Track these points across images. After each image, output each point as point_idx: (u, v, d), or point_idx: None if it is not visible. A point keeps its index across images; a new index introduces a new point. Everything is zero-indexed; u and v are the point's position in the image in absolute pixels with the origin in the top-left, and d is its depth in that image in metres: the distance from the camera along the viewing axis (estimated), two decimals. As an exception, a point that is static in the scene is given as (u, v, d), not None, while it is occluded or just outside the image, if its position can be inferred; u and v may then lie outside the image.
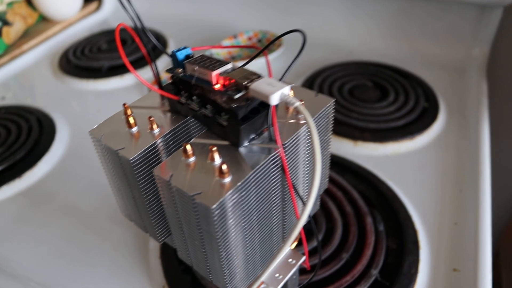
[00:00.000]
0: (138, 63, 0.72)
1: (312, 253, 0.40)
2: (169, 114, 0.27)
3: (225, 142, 0.24)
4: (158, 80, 0.27)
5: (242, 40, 0.78)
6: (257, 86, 0.21)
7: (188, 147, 0.22)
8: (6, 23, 0.75)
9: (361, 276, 0.38)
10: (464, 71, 0.68)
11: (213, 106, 0.24)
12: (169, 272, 0.39)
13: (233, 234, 0.22)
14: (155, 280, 0.40)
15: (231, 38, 0.77)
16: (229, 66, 0.24)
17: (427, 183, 0.49)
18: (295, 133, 0.24)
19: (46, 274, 0.41)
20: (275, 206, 0.26)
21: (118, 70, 0.70)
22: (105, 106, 0.64)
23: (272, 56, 0.70)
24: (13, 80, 0.73)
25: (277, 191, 0.25)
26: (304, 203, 0.26)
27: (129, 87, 0.68)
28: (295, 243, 0.35)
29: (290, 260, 0.33)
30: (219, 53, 0.75)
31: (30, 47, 0.78)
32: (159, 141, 0.25)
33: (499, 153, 0.68)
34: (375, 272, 0.39)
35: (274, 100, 0.21)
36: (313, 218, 0.44)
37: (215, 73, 0.23)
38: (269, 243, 0.27)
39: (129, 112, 0.26)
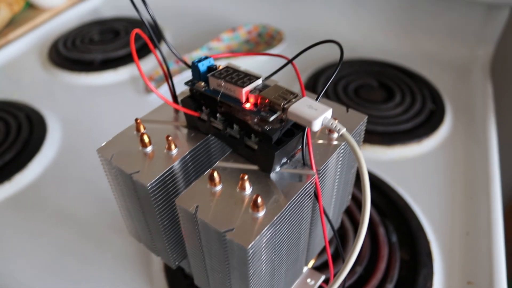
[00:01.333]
0: (122, 61, 0.68)
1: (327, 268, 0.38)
2: (185, 131, 0.24)
3: (254, 167, 0.21)
4: (174, 94, 0.25)
5: (241, 33, 0.75)
6: (297, 108, 0.19)
7: (215, 174, 0.20)
8: (-10, 10, 0.70)
9: (377, 291, 0.37)
10: (469, 71, 0.67)
11: (242, 126, 0.21)
12: (174, 287, 0.37)
13: (264, 269, 0.20)
14: (159, 295, 0.37)
15: (230, 31, 0.74)
16: (259, 82, 0.21)
17: (437, 189, 0.48)
18: (329, 158, 0.22)
19: (41, 287, 0.38)
20: (303, 233, 0.23)
21: (112, 63, 0.66)
22: (99, 101, 0.61)
23: (272, 52, 0.68)
24: (-2, 72, 0.69)
25: (307, 218, 0.23)
26: (333, 228, 0.24)
27: (124, 81, 0.65)
28: (313, 261, 0.33)
29: (309, 280, 0.31)
30: (217, 47, 0.72)
31: (16, 36, 0.74)
32: (178, 163, 0.22)
33: (504, 157, 0.67)
34: (390, 286, 0.37)
35: (317, 126, 0.19)
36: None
37: (245, 90, 0.20)
38: (293, 269, 0.25)
39: (142, 128, 0.23)
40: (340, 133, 0.19)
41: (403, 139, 0.53)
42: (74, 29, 0.76)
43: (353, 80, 0.63)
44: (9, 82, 0.66)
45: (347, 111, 0.25)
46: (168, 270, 0.38)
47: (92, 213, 0.45)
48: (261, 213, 0.19)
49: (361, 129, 0.25)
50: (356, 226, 0.42)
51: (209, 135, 0.24)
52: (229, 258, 0.20)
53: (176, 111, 0.26)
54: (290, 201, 0.20)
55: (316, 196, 0.22)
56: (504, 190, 0.78)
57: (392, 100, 0.59)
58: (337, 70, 0.21)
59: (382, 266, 0.39)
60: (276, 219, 0.19)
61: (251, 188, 0.20)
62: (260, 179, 0.21)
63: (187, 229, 0.21)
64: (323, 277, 0.31)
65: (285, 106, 0.19)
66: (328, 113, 0.19)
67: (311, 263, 0.32)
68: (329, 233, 0.29)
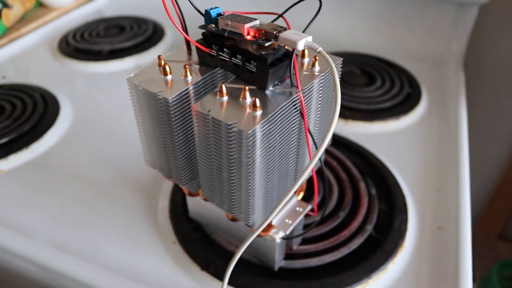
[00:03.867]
0: (138, 48, 0.74)
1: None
2: (197, 66, 0.30)
3: (253, 87, 0.27)
4: (187, 41, 0.31)
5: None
6: (286, 35, 0.25)
7: (224, 87, 0.26)
8: (5, 5, 0.76)
9: (357, 231, 0.42)
10: (443, 62, 0.74)
11: (243, 55, 0.27)
12: (179, 230, 0.42)
13: (259, 162, 0.26)
14: (166, 237, 0.42)
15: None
16: (257, 22, 0.27)
17: (412, 157, 0.54)
18: (312, 81, 0.28)
19: (60, 233, 0.43)
20: (292, 147, 0.29)
21: (119, 53, 0.72)
22: (107, 85, 0.67)
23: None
24: (12, 61, 0.74)
25: (294, 132, 0.29)
26: (317, 147, 0.30)
27: (130, 69, 0.71)
28: (302, 194, 0.38)
29: (298, 208, 0.36)
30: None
31: (28, 30, 0.80)
32: (192, 86, 0.28)
33: (472, 132, 0.74)
34: (369, 227, 0.43)
35: (300, 45, 0.25)
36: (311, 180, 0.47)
37: (247, 26, 0.26)
38: (284, 183, 0.31)
39: (162, 63, 0.29)
40: (318, 50, 0.25)
41: (383, 116, 0.59)
42: (81, 26, 0.82)
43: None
44: (23, 69, 0.72)
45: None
46: (173, 216, 0.44)
47: (104, 175, 0.50)
48: (258, 113, 0.25)
49: (337, 69, 0.31)
50: (340, 183, 0.48)
51: (217, 68, 0.29)
52: (234, 149, 0.25)
53: (189, 54, 0.31)
54: (281, 106, 0.25)
55: (301, 113, 0.28)
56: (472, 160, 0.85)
57: (374, 84, 0.65)
58: (317, 15, 0.27)
59: (363, 211, 0.44)
60: (270, 116, 0.25)
61: (251, 98, 0.26)
62: (257, 93, 0.27)
63: (200, 132, 0.27)
64: (310, 206, 0.37)
65: (277, 34, 0.25)
66: (309, 38, 0.25)
67: (300, 196, 0.38)
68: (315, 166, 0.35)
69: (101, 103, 0.63)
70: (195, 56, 0.31)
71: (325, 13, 0.84)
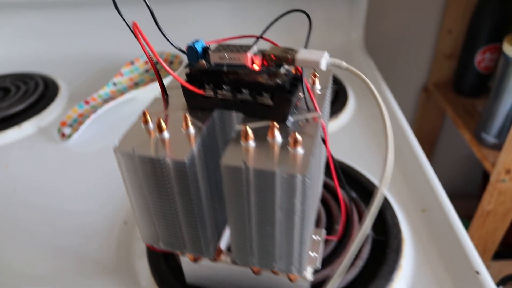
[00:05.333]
0: (34, 109, 0.63)
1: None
2: (189, 112, 0.25)
3: (269, 123, 0.24)
4: (162, 86, 0.26)
5: (139, 64, 0.76)
6: (303, 56, 0.22)
7: (249, 129, 0.22)
8: None
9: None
10: (350, 53, 0.79)
11: (253, 88, 0.23)
12: None
13: (309, 204, 0.23)
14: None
15: (129, 64, 0.74)
16: (255, 48, 0.24)
17: (365, 149, 0.55)
18: (324, 101, 0.26)
19: None
20: (320, 176, 0.26)
21: (13, 120, 0.61)
22: (13, 159, 0.55)
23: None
24: None
25: (321, 162, 0.26)
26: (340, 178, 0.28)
27: (33, 135, 0.60)
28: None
29: (313, 236, 0.33)
30: (121, 81, 0.71)
31: None
32: (200, 138, 0.23)
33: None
34: (372, 233, 0.42)
35: (323, 64, 0.22)
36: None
37: (250, 54, 0.23)
38: (313, 208, 0.28)
39: (149, 119, 0.24)
40: (345, 67, 0.22)
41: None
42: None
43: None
44: None
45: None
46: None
47: (52, 268, 0.41)
48: (300, 149, 0.21)
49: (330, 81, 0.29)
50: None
51: (215, 110, 0.25)
52: (282, 197, 0.21)
53: (167, 101, 0.27)
54: (317, 137, 0.22)
55: (323, 140, 0.25)
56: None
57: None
58: (309, 35, 0.25)
59: (355, 217, 0.43)
60: (314, 150, 0.22)
61: (279, 135, 0.22)
62: (280, 128, 0.23)
63: (234, 189, 0.22)
64: (324, 231, 0.34)
65: (293, 57, 0.22)
66: (326, 54, 0.23)
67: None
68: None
69: (12, 181, 0.51)
70: (175, 101, 0.27)
71: (224, 24, 0.83)
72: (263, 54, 0.23)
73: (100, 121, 0.61)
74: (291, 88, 0.23)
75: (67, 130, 0.59)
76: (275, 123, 0.22)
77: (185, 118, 0.23)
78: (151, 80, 0.74)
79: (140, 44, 0.23)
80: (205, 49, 0.24)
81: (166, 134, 0.23)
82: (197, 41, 0.24)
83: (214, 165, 0.26)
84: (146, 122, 0.24)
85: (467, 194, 1.18)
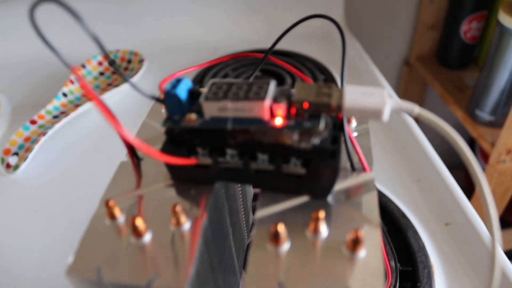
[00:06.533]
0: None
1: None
2: (175, 189, 0.17)
3: (302, 198, 0.16)
4: (130, 148, 0.17)
5: (92, 67, 0.65)
6: (354, 101, 0.14)
7: (281, 228, 0.14)
8: None
9: (390, 274, 0.35)
10: (331, 36, 0.70)
11: (272, 152, 0.15)
12: None
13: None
14: None
15: (79, 68, 0.63)
16: (272, 87, 0.15)
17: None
18: (369, 151, 0.18)
19: None
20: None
21: None
22: None
23: (137, 78, 0.59)
24: None
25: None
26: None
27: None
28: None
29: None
30: (72, 90, 0.60)
31: None
32: (201, 239, 0.15)
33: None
34: (393, 263, 0.35)
35: (387, 113, 0.14)
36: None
37: (267, 102, 0.14)
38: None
39: (119, 213, 0.15)
40: (417, 113, 0.14)
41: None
42: None
43: (236, 77, 0.59)
44: None
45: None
46: None
47: None
48: (362, 252, 0.14)
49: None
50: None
51: (215, 184, 0.17)
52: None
53: (139, 173, 0.18)
54: (379, 223, 0.15)
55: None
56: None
57: (284, 83, 0.57)
58: (345, 50, 0.17)
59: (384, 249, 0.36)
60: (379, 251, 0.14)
61: (325, 227, 0.14)
62: (313, 209, 0.15)
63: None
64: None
65: (338, 103, 0.14)
66: (387, 93, 0.14)
67: None
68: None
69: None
70: (152, 168, 0.18)
71: (191, 19, 0.72)
72: (290, 100, 0.15)
73: (52, 143, 0.50)
74: (333, 145, 0.15)
75: (12, 160, 0.48)
76: (320, 213, 0.14)
77: (175, 211, 0.15)
78: (109, 85, 0.63)
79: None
80: (193, 93, 0.16)
81: (148, 237, 0.15)
82: (178, 81, 0.15)
83: (219, 251, 0.18)
84: (112, 216, 0.15)
85: (454, 164, 1.15)
